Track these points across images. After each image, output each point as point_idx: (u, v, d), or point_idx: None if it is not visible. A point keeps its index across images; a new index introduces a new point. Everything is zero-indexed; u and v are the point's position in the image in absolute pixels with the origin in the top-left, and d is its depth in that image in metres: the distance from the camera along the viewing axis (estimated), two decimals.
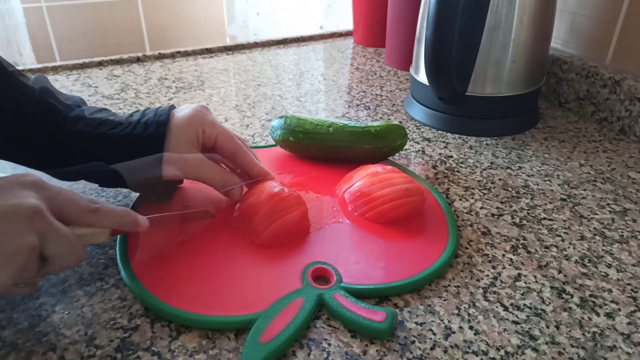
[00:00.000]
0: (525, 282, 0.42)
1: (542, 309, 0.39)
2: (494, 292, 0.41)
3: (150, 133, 0.46)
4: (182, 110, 0.49)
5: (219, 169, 0.48)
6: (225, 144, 0.49)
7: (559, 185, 0.56)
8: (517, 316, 0.39)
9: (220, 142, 0.48)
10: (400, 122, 0.71)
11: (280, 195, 0.46)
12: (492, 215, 0.51)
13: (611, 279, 0.43)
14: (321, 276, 0.42)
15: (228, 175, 0.48)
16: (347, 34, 1.13)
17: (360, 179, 0.50)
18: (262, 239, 0.44)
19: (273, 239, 0.44)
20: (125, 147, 0.46)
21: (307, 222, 0.47)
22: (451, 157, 0.62)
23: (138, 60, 0.96)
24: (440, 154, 0.63)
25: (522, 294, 0.41)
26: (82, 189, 0.55)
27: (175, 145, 0.47)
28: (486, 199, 0.53)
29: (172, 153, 0.46)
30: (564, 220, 0.50)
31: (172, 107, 0.50)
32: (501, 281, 0.42)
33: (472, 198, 0.54)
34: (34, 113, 0.45)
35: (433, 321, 0.38)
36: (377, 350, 0.36)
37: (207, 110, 0.50)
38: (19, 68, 0.50)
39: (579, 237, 0.48)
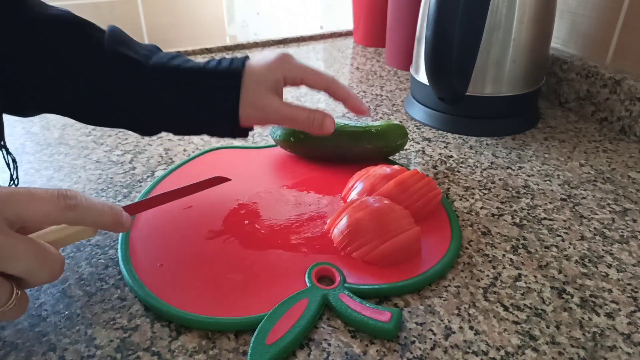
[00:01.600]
0: (526, 282, 0.42)
1: (542, 309, 0.39)
2: (494, 292, 0.41)
3: (223, 67, 0.46)
4: (261, 56, 0.48)
5: (300, 107, 0.48)
6: (315, 83, 0.49)
7: (559, 185, 0.56)
8: (517, 316, 0.39)
9: (308, 82, 0.49)
10: (401, 122, 0.71)
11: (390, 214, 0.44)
12: (492, 215, 0.51)
13: (611, 279, 0.43)
14: (325, 276, 0.42)
15: (312, 111, 0.48)
16: (347, 34, 1.13)
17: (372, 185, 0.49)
18: (370, 258, 0.43)
19: (382, 258, 0.42)
20: (198, 80, 0.46)
21: (419, 244, 0.44)
22: (451, 157, 0.62)
23: None
24: (440, 154, 0.63)
25: (522, 294, 0.41)
26: (83, 189, 0.55)
27: (250, 88, 0.46)
28: (486, 199, 0.53)
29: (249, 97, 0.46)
30: (564, 220, 0.50)
31: (248, 57, 0.50)
32: (501, 281, 0.42)
33: (472, 198, 0.54)
34: (109, 67, 0.45)
35: (433, 321, 0.38)
36: (377, 351, 0.36)
37: (289, 57, 0.49)
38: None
39: (579, 237, 0.48)
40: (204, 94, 0.46)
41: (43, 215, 0.31)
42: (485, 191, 0.55)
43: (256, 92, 0.46)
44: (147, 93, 0.46)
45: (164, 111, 0.47)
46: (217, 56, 0.99)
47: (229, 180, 0.47)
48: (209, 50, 1.00)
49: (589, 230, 0.49)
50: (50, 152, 0.62)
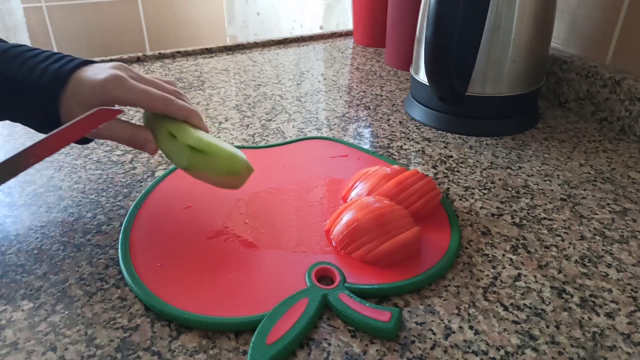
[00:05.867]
0: (525, 282, 0.42)
1: (542, 309, 0.39)
2: (494, 292, 0.41)
3: (43, 84, 0.43)
4: (94, 72, 0.44)
5: (126, 125, 0.44)
6: (149, 106, 0.45)
7: (559, 185, 0.56)
8: (517, 316, 0.39)
9: (140, 106, 0.45)
10: (401, 121, 0.71)
11: (389, 213, 0.43)
12: (492, 215, 0.51)
13: (611, 279, 0.43)
14: (325, 276, 0.42)
15: (136, 128, 0.44)
16: (347, 34, 1.13)
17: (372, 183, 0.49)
18: (370, 258, 0.43)
19: (382, 258, 0.42)
20: (16, 91, 0.43)
21: (419, 244, 0.44)
22: (451, 157, 0.62)
23: (138, 60, 0.96)
24: (440, 154, 0.63)
25: (522, 294, 0.41)
26: (83, 189, 0.55)
27: (70, 108, 0.43)
28: (486, 199, 0.53)
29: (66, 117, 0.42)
30: (564, 220, 0.50)
31: (87, 62, 0.46)
32: (501, 281, 0.42)
33: (472, 198, 0.54)
34: None
35: (433, 321, 0.38)
36: (377, 350, 0.36)
37: (121, 79, 0.43)
38: None
39: (579, 237, 0.48)
40: (19, 108, 0.45)
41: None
42: (485, 191, 0.55)
43: (74, 117, 0.42)
44: None
45: None
46: (217, 56, 0.99)
47: (118, 111, 0.41)
48: (209, 50, 1.00)
49: (589, 230, 0.49)
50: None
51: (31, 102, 0.44)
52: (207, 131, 0.47)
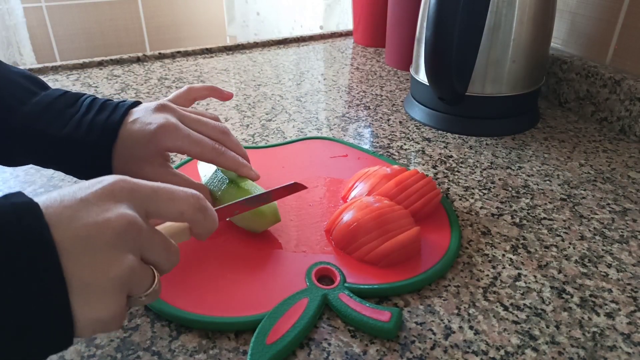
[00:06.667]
0: (525, 282, 0.42)
1: (542, 309, 0.39)
2: (494, 292, 0.41)
3: (92, 140, 0.42)
4: (142, 121, 0.43)
5: (183, 187, 0.36)
6: (200, 156, 0.44)
7: (559, 185, 0.56)
8: (517, 316, 0.39)
9: (190, 156, 0.44)
10: (401, 121, 0.71)
11: (388, 213, 0.43)
12: (492, 215, 0.51)
13: (611, 278, 0.43)
14: (325, 276, 0.42)
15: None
16: (347, 34, 1.13)
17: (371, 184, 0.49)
18: (370, 258, 0.43)
19: (382, 258, 0.42)
20: (64, 149, 0.43)
21: (419, 243, 0.44)
22: (451, 157, 0.62)
23: (138, 60, 0.96)
24: (440, 154, 0.63)
25: (522, 294, 0.41)
26: None
27: (125, 161, 0.43)
28: (486, 199, 0.53)
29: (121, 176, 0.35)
30: (564, 220, 0.50)
31: (135, 104, 0.45)
32: (501, 281, 0.42)
33: (472, 198, 0.54)
34: None
35: (433, 321, 0.38)
36: (377, 350, 0.36)
37: (173, 128, 0.43)
38: (19, 68, 0.49)
39: (579, 237, 0.48)
40: (69, 165, 0.44)
41: (179, 213, 0.32)
42: (485, 191, 0.55)
43: (127, 168, 0.43)
44: (12, 143, 0.43)
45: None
46: (217, 56, 0.99)
47: (305, 187, 0.44)
48: (209, 50, 1.00)
49: (589, 230, 0.49)
50: None
51: (80, 159, 0.43)
52: (254, 179, 0.47)
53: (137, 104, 0.46)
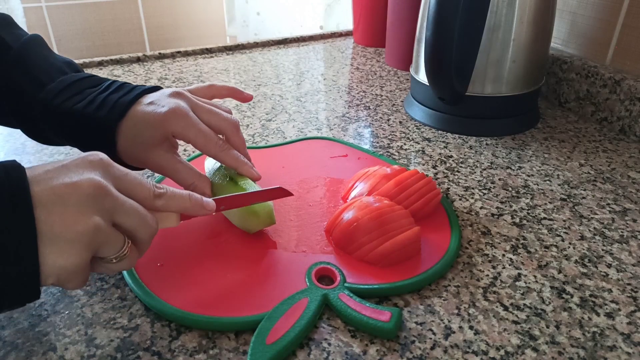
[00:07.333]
0: (525, 282, 0.42)
1: (542, 309, 0.39)
2: (494, 292, 0.41)
3: (101, 115, 0.43)
4: (155, 103, 0.44)
5: (188, 170, 0.45)
6: (203, 149, 0.45)
7: (559, 185, 0.56)
8: (517, 316, 0.39)
9: (194, 146, 0.45)
10: (401, 121, 0.71)
11: (388, 213, 0.43)
12: (492, 215, 0.51)
13: (611, 278, 0.43)
14: (325, 276, 0.42)
15: (197, 178, 0.44)
16: (347, 34, 1.13)
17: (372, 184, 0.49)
18: (370, 257, 0.43)
19: (382, 258, 0.42)
20: (77, 123, 0.44)
21: (419, 243, 0.44)
22: (451, 157, 0.62)
23: (138, 60, 0.96)
24: (440, 154, 0.63)
25: (522, 294, 0.41)
26: None
27: (129, 142, 0.44)
28: (486, 199, 0.53)
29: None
30: (564, 220, 0.50)
31: (153, 89, 0.46)
32: (501, 281, 0.42)
33: (472, 198, 0.54)
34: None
35: (433, 321, 0.38)
36: (377, 350, 0.36)
37: (184, 114, 0.44)
38: (64, 56, 0.51)
39: (579, 237, 0.48)
40: (79, 139, 0.46)
41: (143, 198, 0.35)
42: (485, 191, 0.55)
43: (133, 149, 0.44)
44: (30, 115, 0.46)
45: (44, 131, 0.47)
46: (217, 56, 0.99)
47: (291, 194, 0.45)
48: (209, 50, 1.00)
49: (589, 230, 0.49)
50: (50, 152, 0.62)
51: (90, 134, 0.44)
52: (255, 179, 0.47)
53: (156, 88, 0.47)
